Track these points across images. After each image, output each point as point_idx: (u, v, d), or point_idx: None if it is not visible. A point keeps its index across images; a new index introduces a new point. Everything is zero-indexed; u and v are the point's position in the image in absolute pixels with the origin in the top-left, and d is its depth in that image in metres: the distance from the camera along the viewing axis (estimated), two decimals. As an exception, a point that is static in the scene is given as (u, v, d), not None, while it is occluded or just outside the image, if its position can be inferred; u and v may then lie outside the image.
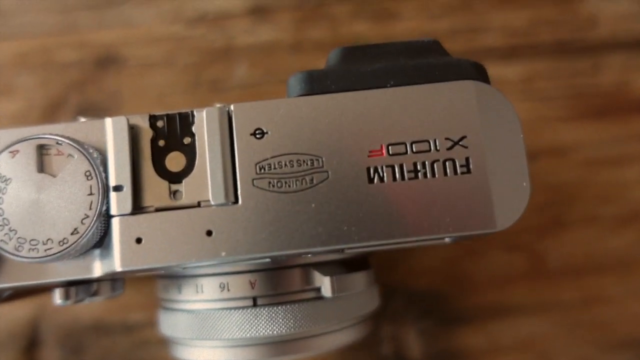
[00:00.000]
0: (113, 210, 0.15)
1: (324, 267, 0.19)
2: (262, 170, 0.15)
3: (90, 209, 0.15)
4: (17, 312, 0.30)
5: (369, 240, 0.15)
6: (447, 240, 0.17)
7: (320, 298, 0.19)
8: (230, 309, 0.18)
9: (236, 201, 0.16)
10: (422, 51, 0.16)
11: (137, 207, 0.15)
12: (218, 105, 0.17)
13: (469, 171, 0.16)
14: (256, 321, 0.18)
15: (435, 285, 0.31)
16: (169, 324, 0.20)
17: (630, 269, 0.31)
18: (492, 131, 0.16)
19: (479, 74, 0.16)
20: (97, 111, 0.33)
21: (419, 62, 0.16)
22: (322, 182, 0.16)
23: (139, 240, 0.15)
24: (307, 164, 0.16)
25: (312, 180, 0.16)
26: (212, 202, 0.15)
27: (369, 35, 0.34)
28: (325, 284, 0.19)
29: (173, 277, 0.20)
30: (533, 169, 0.33)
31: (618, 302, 0.31)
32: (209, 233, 0.15)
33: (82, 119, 0.17)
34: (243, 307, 0.18)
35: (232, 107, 0.16)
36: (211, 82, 0.33)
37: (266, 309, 0.18)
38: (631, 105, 0.33)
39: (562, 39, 0.34)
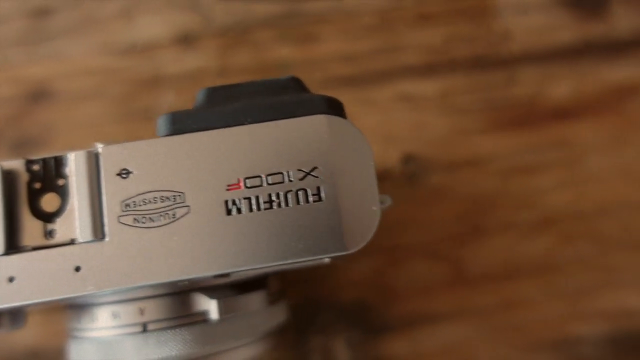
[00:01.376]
0: (-14, 253, 0.16)
1: (213, 291, 0.20)
2: (128, 208, 0.17)
3: (-33, 251, 0.16)
4: (-46, 342, 0.31)
5: (228, 268, 0.17)
6: (326, 260, 0.19)
7: (209, 320, 0.20)
8: (123, 335, 0.19)
9: (103, 237, 0.17)
10: (280, 89, 0.18)
11: (12, 247, 0.17)
12: (100, 145, 0.18)
13: (320, 199, 0.17)
14: (146, 346, 0.19)
15: (362, 297, 0.32)
16: (73, 352, 0.21)
17: (546, 272, 0.33)
18: (344, 161, 0.17)
19: (332, 108, 0.18)
20: (32, 145, 0.34)
21: (275, 100, 0.17)
22: (183, 216, 0.17)
23: (11, 279, 0.16)
24: (169, 200, 0.17)
25: (174, 215, 0.17)
26: (80, 240, 0.17)
27: (293, 59, 0.35)
28: (212, 307, 0.20)
29: (73, 307, 0.21)
30: (452, 181, 0.35)
31: (536, 304, 0.32)
32: (78, 269, 0.16)
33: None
34: (134, 333, 0.19)
35: (100, 149, 0.17)
36: (142, 111, 0.34)
37: (155, 334, 0.19)
38: (545, 114, 0.35)
39: (478, 54, 0.35)
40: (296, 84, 0.18)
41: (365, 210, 0.17)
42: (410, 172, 0.34)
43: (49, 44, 0.35)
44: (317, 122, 0.17)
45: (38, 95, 0.35)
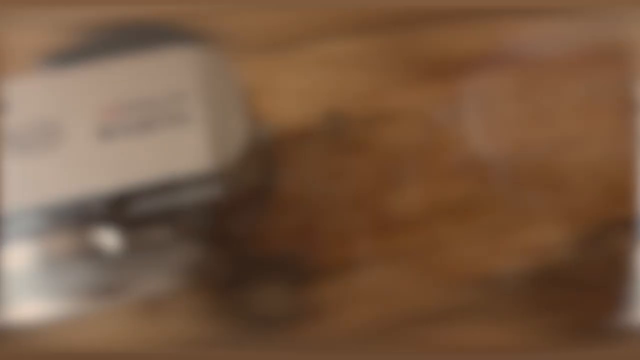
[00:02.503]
0: None
1: (116, 225, 0.22)
2: (11, 139, 0.18)
3: None
4: None
5: (106, 190, 0.18)
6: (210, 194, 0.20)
7: (111, 253, 0.22)
8: (30, 269, 0.21)
9: (-11, 168, 0.18)
10: (155, 29, 0.19)
11: None
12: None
13: (189, 122, 0.19)
14: (51, 277, 0.21)
15: (289, 247, 0.34)
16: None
17: (466, 215, 0.34)
18: (211, 88, 0.19)
19: (199, 41, 0.19)
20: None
21: (149, 36, 0.19)
22: (62, 144, 0.18)
23: None
24: (48, 130, 0.18)
25: (54, 143, 0.18)
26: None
27: (215, 30, 0.37)
28: (112, 240, 0.21)
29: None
30: (373, 134, 0.37)
31: (457, 245, 0.34)
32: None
33: None
34: (40, 267, 0.21)
35: (-18, 88, 0.19)
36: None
37: (59, 266, 0.21)
38: (456, 67, 0.36)
39: (392, 13, 0.37)
40: (169, 25, 0.20)
41: (232, 132, 0.19)
42: (333, 129, 0.35)
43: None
44: (185, 53, 0.19)
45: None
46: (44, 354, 0.23)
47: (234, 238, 0.34)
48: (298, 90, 0.36)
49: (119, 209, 0.20)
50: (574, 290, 0.35)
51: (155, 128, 0.18)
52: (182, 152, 0.18)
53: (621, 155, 0.36)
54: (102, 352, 0.25)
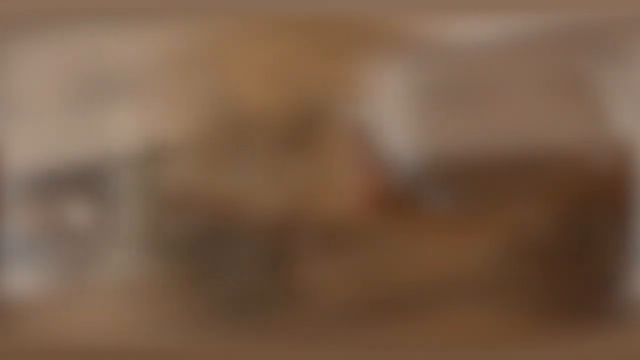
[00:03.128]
0: None
1: (88, 197, 0.23)
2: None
3: None
4: None
5: (71, 161, 0.19)
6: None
7: (83, 225, 0.23)
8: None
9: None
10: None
11: None
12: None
13: (138, 100, 0.20)
14: (24, 249, 0.22)
15: (273, 229, 0.34)
16: None
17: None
18: (169, 69, 0.20)
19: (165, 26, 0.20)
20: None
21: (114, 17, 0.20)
22: (26, 116, 0.20)
23: None
24: (14, 100, 0.20)
25: (19, 113, 0.20)
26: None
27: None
28: (84, 213, 0.22)
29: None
30: (338, 116, 0.37)
31: (434, 232, 0.35)
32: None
33: None
34: (14, 239, 0.22)
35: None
36: None
37: (32, 238, 0.22)
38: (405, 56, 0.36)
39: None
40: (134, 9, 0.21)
41: (178, 116, 0.20)
42: (298, 119, 0.35)
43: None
44: (147, 35, 0.20)
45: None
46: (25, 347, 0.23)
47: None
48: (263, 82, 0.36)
49: (85, 181, 0.21)
50: (551, 271, 0.36)
51: (113, 103, 0.20)
52: (129, 128, 0.20)
53: (592, 137, 0.36)
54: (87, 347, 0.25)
